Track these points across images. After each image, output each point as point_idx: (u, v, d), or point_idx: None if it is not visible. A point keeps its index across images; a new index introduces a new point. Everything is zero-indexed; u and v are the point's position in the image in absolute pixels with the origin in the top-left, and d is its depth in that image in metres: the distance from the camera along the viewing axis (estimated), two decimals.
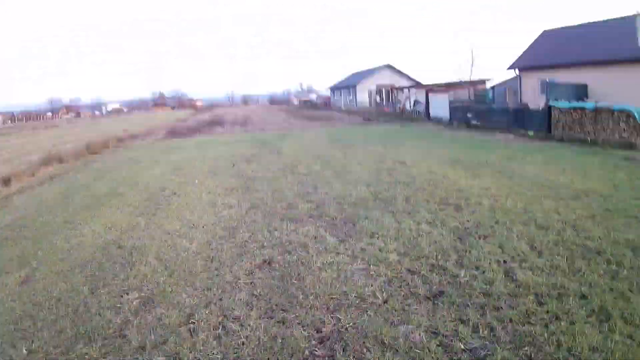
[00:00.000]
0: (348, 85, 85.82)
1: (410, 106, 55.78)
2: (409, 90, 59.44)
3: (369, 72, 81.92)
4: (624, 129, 23.46)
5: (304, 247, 10.69)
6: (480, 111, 39.92)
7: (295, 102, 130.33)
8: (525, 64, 41.26)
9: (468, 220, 11.90)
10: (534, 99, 36.35)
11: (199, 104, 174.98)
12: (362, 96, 76.50)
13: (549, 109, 29.12)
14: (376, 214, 13.18)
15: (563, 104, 28.22)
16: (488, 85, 50.97)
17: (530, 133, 30.15)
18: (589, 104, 26.37)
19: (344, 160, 23.57)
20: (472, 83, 48.04)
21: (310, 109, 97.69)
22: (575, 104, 27.82)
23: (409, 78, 77.48)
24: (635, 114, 23.02)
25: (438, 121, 45.53)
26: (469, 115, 40.73)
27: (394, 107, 62.05)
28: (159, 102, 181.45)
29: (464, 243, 10.25)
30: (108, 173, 24.38)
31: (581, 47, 35.93)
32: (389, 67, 79.89)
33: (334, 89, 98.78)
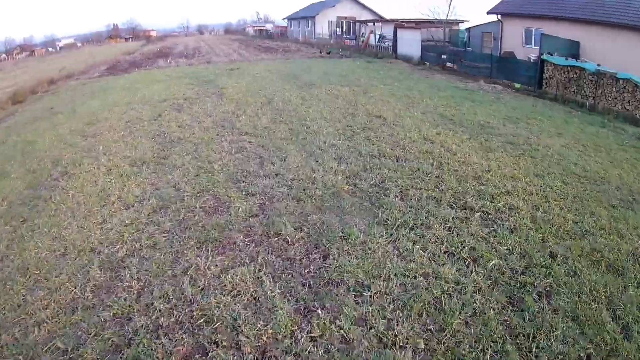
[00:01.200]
0: (306, 16, 78.22)
1: (375, 41, 49.73)
2: (374, 24, 53.20)
3: (329, 3, 74.16)
4: (629, 101, 20.10)
5: None
6: (457, 54, 35.15)
7: (251, 31, 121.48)
8: (509, 9, 36.23)
9: (510, 250, 7.53)
10: (516, 49, 33.14)
11: (152, 34, 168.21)
12: (322, 28, 69.52)
13: (541, 62, 25.34)
14: (358, 229, 8.13)
15: (558, 59, 24.51)
16: (462, 27, 44.89)
17: (518, 85, 26.41)
18: (589, 65, 22.82)
19: (303, 108, 18.02)
20: (445, 23, 42.18)
21: (266, 39, 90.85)
22: (573, 62, 24.12)
23: (373, 12, 70.71)
24: None
25: (407, 60, 39.90)
26: (444, 56, 35.80)
27: (357, 41, 55.69)
28: (113, 34, 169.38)
29: (521, 315, 5.98)
30: (9, 136, 17.85)
31: (572, 1, 31.24)
32: None
33: (291, 19, 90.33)
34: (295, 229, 8.08)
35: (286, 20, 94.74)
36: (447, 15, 40.53)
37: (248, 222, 8.47)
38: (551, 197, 9.53)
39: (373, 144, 12.84)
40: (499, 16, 36.66)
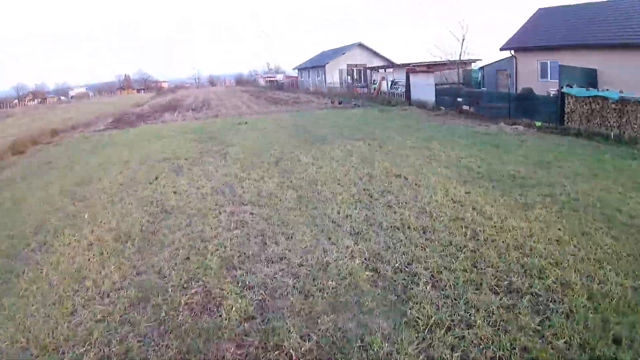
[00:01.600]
0: (316, 65, 77.26)
1: (387, 88, 48.37)
2: (385, 70, 51.95)
3: (339, 51, 73.44)
4: None
5: None
6: (473, 95, 33.34)
7: (262, 82, 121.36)
8: (522, 44, 34.84)
9: (568, 343, 6.00)
10: (533, 84, 31.32)
11: (164, 85, 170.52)
12: (332, 77, 68.35)
13: (561, 96, 23.69)
14: (381, 334, 6.42)
15: (579, 91, 22.89)
16: (474, 66, 43.35)
17: (538, 123, 24.51)
18: (611, 93, 21.30)
19: (314, 168, 16.23)
20: (458, 64, 40.68)
21: (276, 90, 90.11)
22: (594, 91, 22.49)
23: (382, 58, 69.44)
24: None
25: (421, 105, 38.33)
26: (460, 99, 33.98)
27: (368, 89, 54.44)
28: (125, 85, 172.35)
29: None
30: None
31: (589, 27, 30.35)
32: (361, 45, 71.18)
33: (301, 69, 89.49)
34: (301, 338, 6.25)
35: (296, 71, 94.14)
36: (460, 55, 38.91)
37: (243, 327, 6.65)
38: (604, 261, 8.01)
39: (395, 212, 10.93)
40: (512, 52, 35.38)
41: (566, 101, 23.25)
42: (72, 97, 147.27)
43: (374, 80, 54.19)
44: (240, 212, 11.70)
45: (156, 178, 16.20)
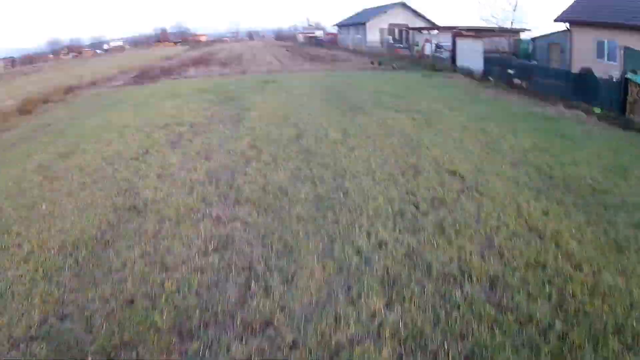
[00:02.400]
0: (357, 23, 72.78)
1: (431, 51, 43.84)
2: (429, 32, 47.45)
3: (381, 9, 69.06)
4: None
5: None
6: (526, 69, 29.24)
7: (301, 38, 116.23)
8: (579, 17, 30.10)
9: None
10: (588, 63, 26.83)
11: (202, 39, 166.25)
12: (372, 36, 64.08)
13: (625, 81, 19.94)
14: None
15: None
16: (523, 36, 38.71)
17: (597, 110, 20.53)
18: None
19: (344, 151, 12.68)
20: (505, 31, 36.33)
21: (314, 46, 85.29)
22: None
23: (426, 20, 64.70)
24: None
25: (468, 73, 33.98)
26: (511, 72, 29.78)
27: (411, 51, 50.05)
28: (162, 38, 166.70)
29: None
30: None
31: None
32: (403, 5, 66.59)
33: (341, 25, 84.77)
34: None
35: (336, 27, 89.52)
36: (511, 23, 34.48)
37: None
38: None
39: (450, 243, 7.26)
40: (568, 25, 30.88)
41: (629, 89, 19.62)
42: (106, 50, 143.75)
43: (416, 42, 49.78)
44: (230, 220, 8.31)
45: (146, 152, 12.99)
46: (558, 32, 33.13)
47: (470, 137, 14.00)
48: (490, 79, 31.45)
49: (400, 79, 30.49)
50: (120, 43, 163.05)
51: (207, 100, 21.75)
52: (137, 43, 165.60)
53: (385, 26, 62.59)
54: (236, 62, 48.63)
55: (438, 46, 42.69)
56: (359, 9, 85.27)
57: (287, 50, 70.25)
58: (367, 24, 66.07)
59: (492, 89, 27.50)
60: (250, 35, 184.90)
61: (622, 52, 24.48)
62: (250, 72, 36.05)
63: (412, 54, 48.14)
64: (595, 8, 29.36)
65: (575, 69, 27.56)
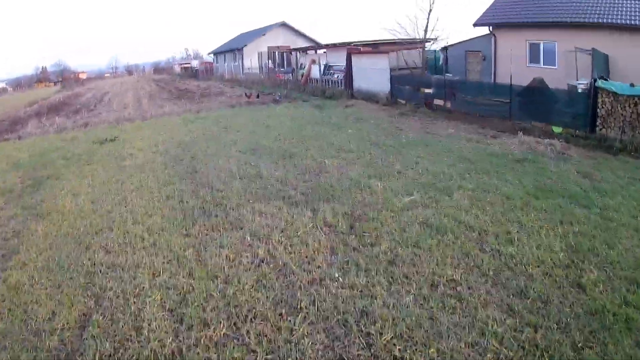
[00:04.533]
0: (233, 49, 64.21)
1: (320, 74, 36.20)
2: (316, 52, 39.83)
3: (259, 32, 61.20)
4: None
5: None
6: (446, 85, 22.82)
7: (178, 69, 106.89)
8: (506, 18, 25.42)
9: None
10: (518, 69, 22.32)
11: (82, 76, 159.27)
12: (251, 61, 55.77)
13: (593, 92, 16.07)
14: None
15: (620, 86, 15.41)
16: (431, 47, 31.71)
17: (557, 129, 16.89)
18: None
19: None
20: (413, 43, 29.30)
21: (189, 78, 76.33)
22: None
23: (309, 39, 57.64)
24: None
25: (369, 98, 27.06)
26: (429, 91, 23.32)
27: (294, 75, 42.29)
28: (42, 78, 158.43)
29: None
30: None
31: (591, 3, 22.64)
32: (284, 25, 59.14)
33: (217, 53, 75.73)
34: None
35: (212, 56, 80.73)
36: (425, 31, 27.03)
37: None
38: None
39: None
40: (491, 28, 25.88)
41: (600, 100, 15.80)
42: None
43: (301, 65, 41.97)
44: None
45: None
46: (476, 37, 27.97)
47: (443, 249, 7.34)
48: (401, 101, 24.60)
49: (285, 116, 21.95)
50: (3, 85, 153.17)
51: None
52: (20, 84, 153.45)
53: (265, 49, 54.61)
54: (93, 107, 38.75)
55: (327, 67, 35.02)
56: (236, 34, 77.20)
57: (158, 85, 60.71)
58: (245, 49, 57.94)
59: (410, 117, 20.64)
60: (130, 70, 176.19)
61: (589, 54, 19.89)
62: (94, 124, 26.39)
63: (296, 79, 40.12)
64: (522, 8, 24.81)
65: (501, 77, 23.83)
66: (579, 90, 17.51)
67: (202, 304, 6.16)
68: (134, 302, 6.34)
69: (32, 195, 12.32)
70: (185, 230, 8.72)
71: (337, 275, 6.53)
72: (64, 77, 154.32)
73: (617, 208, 8.49)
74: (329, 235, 7.91)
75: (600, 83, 15.71)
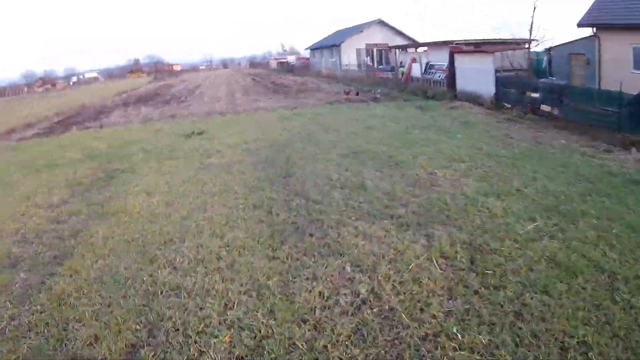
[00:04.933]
0: (330, 45, 64.46)
1: (420, 73, 35.18)
2: (416, 50, 38.95)
3: (356, 29, 60.89)
4: None
5: None
6: (554, 90, 21.12)
7: (274, 64, 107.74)
8: (609, 18, 23.17)
9: None
10: (622, 76, 19.78)
11: (176, 68, 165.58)
12: (348, 58, 55.67)
13: None
14: None
15: None
16: (536, 48, 30.28)
17: None
18: None
19: None
20: (518, 42, 28.18)
21: (286, 72, 77.28)
22: None
23: (407, 37, 56.45)
24: None
25: (473, 99, 25.70)
26: (535, 95, 21.77)
27: (394, 73, 41.20)
28: (134, 69, 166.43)
29: None
30: None
31: None
32: (381, 22, 58.07)
33: (314, 49, 76.31)
34: None
35: (309, 51, 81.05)
36: (530, 30, 25.89)
37: None
38: None
39: None
40: (594, 29, 23.87)
41: None
42: (73, 83, 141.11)
43: (401, 63, 41.26)
44: None
45: None
46: (581, 39, 25.79)
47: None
48: (506, 104, 23.39)
49: (386, 117, 21.28)
50: (94, 74, 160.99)
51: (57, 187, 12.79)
52: (111, 74, 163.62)
53: (362, 46, 54.12)
54: (181, 99, 39.44)
55: (429, 66, 34.20)
56: (333, 31, 77.22)
57: (253, 79, 61.62)
58: (342, 45, 57.71)
59: (517, 123, 19.41)
60: (225, 64, 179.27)
61: None
62: (183, 116, 26.81)
63: (396, 77, 39.41)
64: (627, 8, 22.16)
65: (605, 83, 21.91)
66: None
67: (281, 356, 5.15)
68: (196, 342, 5.43)
69: (102, 190, 11.99)
70: (272, 250, 7.64)
71: (454, 330, 5.38)
72: (157, 69, 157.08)
73: None
74: (447, 271, 6.76)
75: None
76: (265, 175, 12.14)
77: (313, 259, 7.28)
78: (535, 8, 25.37)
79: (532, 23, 25.39)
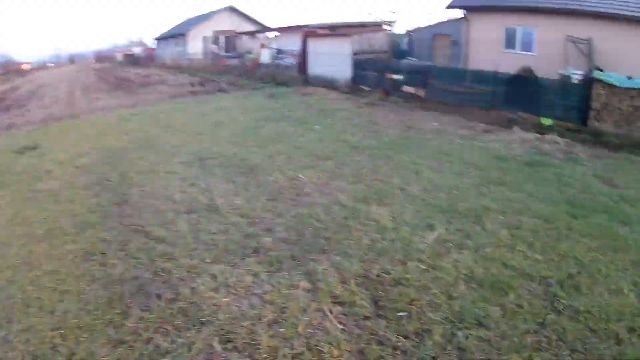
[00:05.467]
0: (177, 34, 60.77)
1: (270, 59, 33.07)
2: (266, 36, 36.67)
3: (204, 17, 57.90)
4: None
5: None
6: (419, 71, 20.77)
7: (120, 57, 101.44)
8: (480, 2, 23.61)
9: None
10: (492, 55, 21.21)
11: (25, 67, 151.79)
12: (194, 47, 52.41)
13: (588, 83, 14.94)
14: None
15: (619, 79, 14.31)
16: (396, 30, 29.79)
17: (548, 121, 15.48)
18: None
19: None
20: (376, 25, 27.13)
21: (131, 65, 70.92)
22: None
23: (258, 24, 54.38)
24: None
25: (327, 84, 24.34)
26: (397, 77, 21.18)
27: (242, 61, 38.85)
28: None
29: None
30: None
31: None
32: (231, 9, 55.72)
33: (160, 39, 72.24)
34: None
35: (155, 42, 76.50)
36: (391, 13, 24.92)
37: None
38: None
39: None
40: (465, 12, 23.80)
41: (595, 92, 14.73)
42: None
43: (250, 50, 38.84)
44: None
45: None
46: (446, 21, 27.03)
47: None
48: (365, 88, 22.46)
49: (235, 110, 18.51)
50: None
51: None
52: None
53: (210, 34, 51.21)
54: (22, 103, 34.18)
55: (279, 51, 32.04)
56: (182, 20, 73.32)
57: (97, 74, 56.21)
58: (189, 34, 54.21)
59: (380, 107, 18.21)
60: (72, 59, 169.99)
61: (586, 44, 18.49)
62: (20, 125, 22.30)
63: (243, 65, 37.02)
64: None
65: (473, 63, 22.28)
66: (574, 81, 16.11)
67: None
68: None
69: None
70: (114, 328, 5.04)
71: None
72: (7, 69, 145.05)
73: None
74: (348, 326, 4.78)
75: (597, 74, 14.60)
76: (97, 203, 8.96)
77: (169, 338, 4.86)
78: None
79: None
